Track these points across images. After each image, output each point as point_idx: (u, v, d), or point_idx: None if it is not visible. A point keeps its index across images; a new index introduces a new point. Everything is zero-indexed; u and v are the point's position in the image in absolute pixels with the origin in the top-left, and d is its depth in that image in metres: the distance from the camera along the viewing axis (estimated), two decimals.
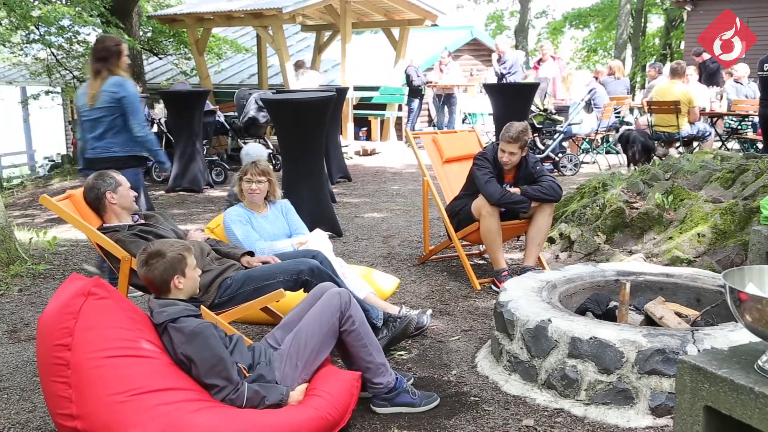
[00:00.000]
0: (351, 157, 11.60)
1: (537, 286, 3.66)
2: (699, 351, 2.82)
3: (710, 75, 11.66)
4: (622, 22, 23.01)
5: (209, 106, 9.77)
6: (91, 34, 12.81)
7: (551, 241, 5.69)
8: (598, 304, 3.61)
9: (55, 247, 5.96)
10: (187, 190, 8.98)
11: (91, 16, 10.45)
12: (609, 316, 3.54)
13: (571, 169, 9.36)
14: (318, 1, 11.41)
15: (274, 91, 10.10)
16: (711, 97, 10.15)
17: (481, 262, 5.52)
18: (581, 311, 3.58)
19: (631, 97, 12.19)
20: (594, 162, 10.14)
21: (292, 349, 2.89)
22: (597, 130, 10.01)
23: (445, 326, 4.12)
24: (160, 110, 9.97)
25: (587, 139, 10.12)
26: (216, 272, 3.46)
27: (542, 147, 9.46)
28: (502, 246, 4.87)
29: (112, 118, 4.57)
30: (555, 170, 9.30)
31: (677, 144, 8.61)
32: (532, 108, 9.39)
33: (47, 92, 13.45)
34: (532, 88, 9.35)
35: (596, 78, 11.16)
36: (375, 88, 13.54)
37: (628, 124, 9.78)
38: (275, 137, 8.75)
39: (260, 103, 9.57)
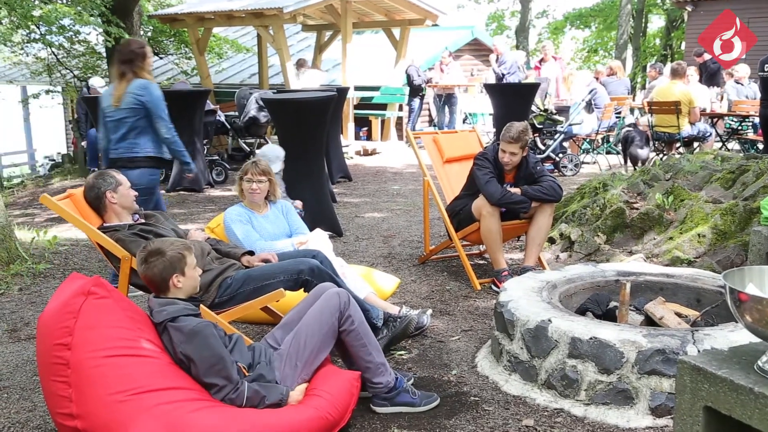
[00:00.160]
0: (351, 157, 11.60)
1: (537, 286, 3.66)
2: (699, 351, 2.82)
3: (711, 75, 11.66)
4: (622, 23, 23.01)
5: (210, 105, 9.77)
6: (91, 33, 12.82)
7: (551, 241, 5.69)
8: (598, 304, 3.61)
9: (56, 246, 5.97)
10: (188, 189, 8.98)
11: (91, 15, 10.45)
12: (609, 316, 3.54)
13: (571, 170, 9.36)
14: (319, 1, 11.41)
15: (275, 90, 10.10)
16: (711, 98, 10.15)
17: (482, 262, 5.52)
18: (581, 311, 3.58)
19: (632, 98, 12.19)
20: (594, 162, 10.14)
21: (291, 349, 2.89)
22: (597, 131, 10.01)
23: (445, 326, 4.12)
24: None
25: (588, 140, 10.12)
26: (216, 272, 3.46)
27: (543, 147, 9.46)
28: (503, 246, 4.88)
29: (135, 119, 4.65)
30: (555, 170, 9.30)
31: (678, 144, 8.62)
32: (533, 108, 9.40)
33: (47, 91, 13.47)
34: (533, 88, 9.36)
35: (597, 78, 11.16)
36: (376, 88, 13.54)
37: (634, 126, 9.78)
38: (276, 137, 8.75)
39: (261, 102, 9.56)
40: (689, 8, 17.46)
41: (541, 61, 12.08)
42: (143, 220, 3.75)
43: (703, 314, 3.39)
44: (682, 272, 3.94)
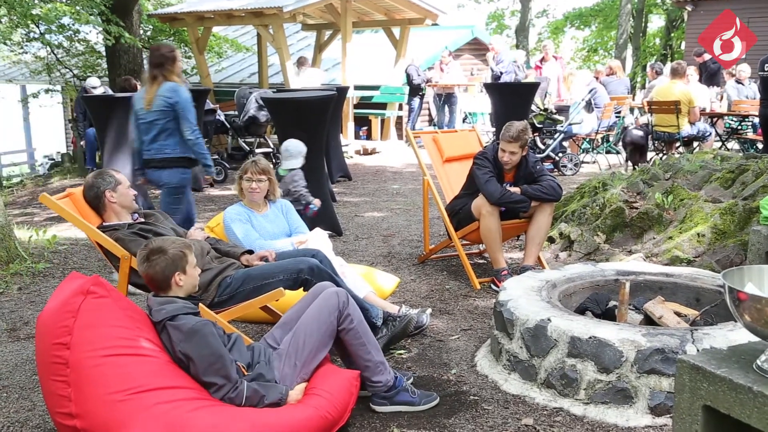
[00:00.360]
0: (351, 156, 11.60)
1: (537, 286, 3.66)
2: (698, 350, 2.82)
3: (711, 75, 11.66)
4: (622, 22, 23.01)
5: (209, 105, 9.77)
6: (91, 32, 12.82)
7: (551, 240, 5.69)
8: (598, 303, 3.61)
9: (55, 245, 5.97)
10: None
11: (91, 14, 10.45)
12: (608, 315, 3.54)
13: (571, 169, 9.36)
14: (318, 0, 11.40)
15: (275, 90, 10.10)
16: (711, 98, 10.15)
17: (481, 261, 5.52)
18: (581, 311, 3.58)
19: (632, 97, 12.20)
20: (594, 162, 10.14)
21: (290, 349, 2.89)
22: (597, 130, 10.01)
23: (444, 325, 4.12)
24: None
25: (587, 139, 10.12)
26: (216, 271, 3.46)
27: (542, 146, 9.46)
28: (502, 245, 4.88)
29: (165, 121, 4.82)
30: (555, 170, 9.30)
31: (677, 144, 8.62)
32: (533, 107, 9.39)
33: (47, 91, 13.46)
34: (532, 87, 9.35)
35: (597, 78, 11.16)
36: (375, 88, 13.54)
37: (637, 129, 9.78)
38: (275, 136, 8.75)
39: (261, 102, 9.56)
40: (689, 8, 17.46)
41: (542, 60, 12.08)
42: (143, 220, 3.75)
43: (703, 313, 3.39)
44: (681, 271, 3.94)
